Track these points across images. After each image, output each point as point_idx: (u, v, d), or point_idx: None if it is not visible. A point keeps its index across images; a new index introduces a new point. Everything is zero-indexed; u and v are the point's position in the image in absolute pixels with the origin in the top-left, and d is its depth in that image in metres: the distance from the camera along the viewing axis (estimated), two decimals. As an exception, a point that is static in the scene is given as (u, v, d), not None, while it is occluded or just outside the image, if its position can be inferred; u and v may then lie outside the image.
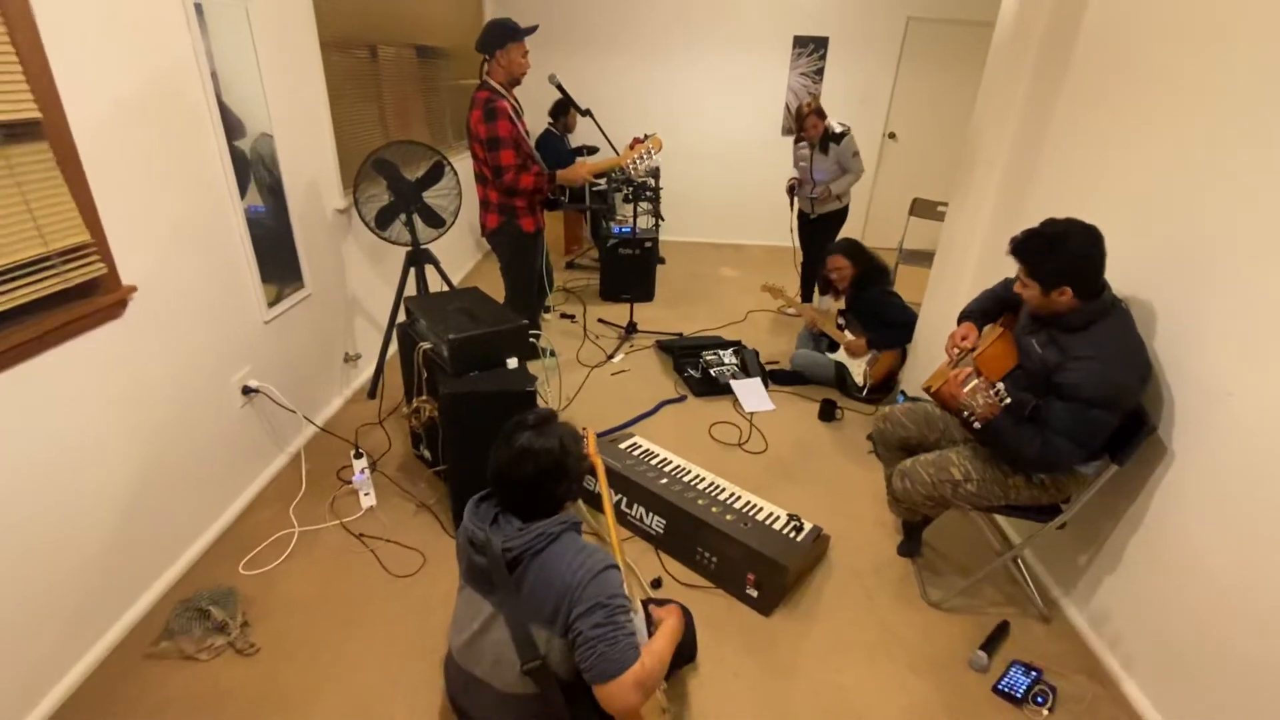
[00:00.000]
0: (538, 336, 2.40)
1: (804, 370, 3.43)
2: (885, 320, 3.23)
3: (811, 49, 5.53)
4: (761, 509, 2.18)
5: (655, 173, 4.72)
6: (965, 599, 2.07)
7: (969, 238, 2.71)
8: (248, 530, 2.24)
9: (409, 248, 2.89)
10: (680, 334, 3.98)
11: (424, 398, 2.27)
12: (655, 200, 4.49)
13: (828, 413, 3.11)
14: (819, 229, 4.02)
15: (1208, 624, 1.54)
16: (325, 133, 2.84)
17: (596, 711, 1.29)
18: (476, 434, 1.98)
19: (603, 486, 1.89)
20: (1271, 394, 1.39)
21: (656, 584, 2.08)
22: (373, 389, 3.13)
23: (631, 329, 3.94)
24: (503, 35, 2.58)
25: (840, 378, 3.35)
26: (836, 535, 2.30)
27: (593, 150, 5.18)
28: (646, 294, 4.58)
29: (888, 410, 2.17)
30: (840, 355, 3.34)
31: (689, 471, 2.39)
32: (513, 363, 2.16)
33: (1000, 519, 2.42)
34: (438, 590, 2.00)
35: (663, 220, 4.80)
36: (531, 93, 3.98)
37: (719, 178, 5.97)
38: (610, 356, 3.68)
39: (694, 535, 2.12)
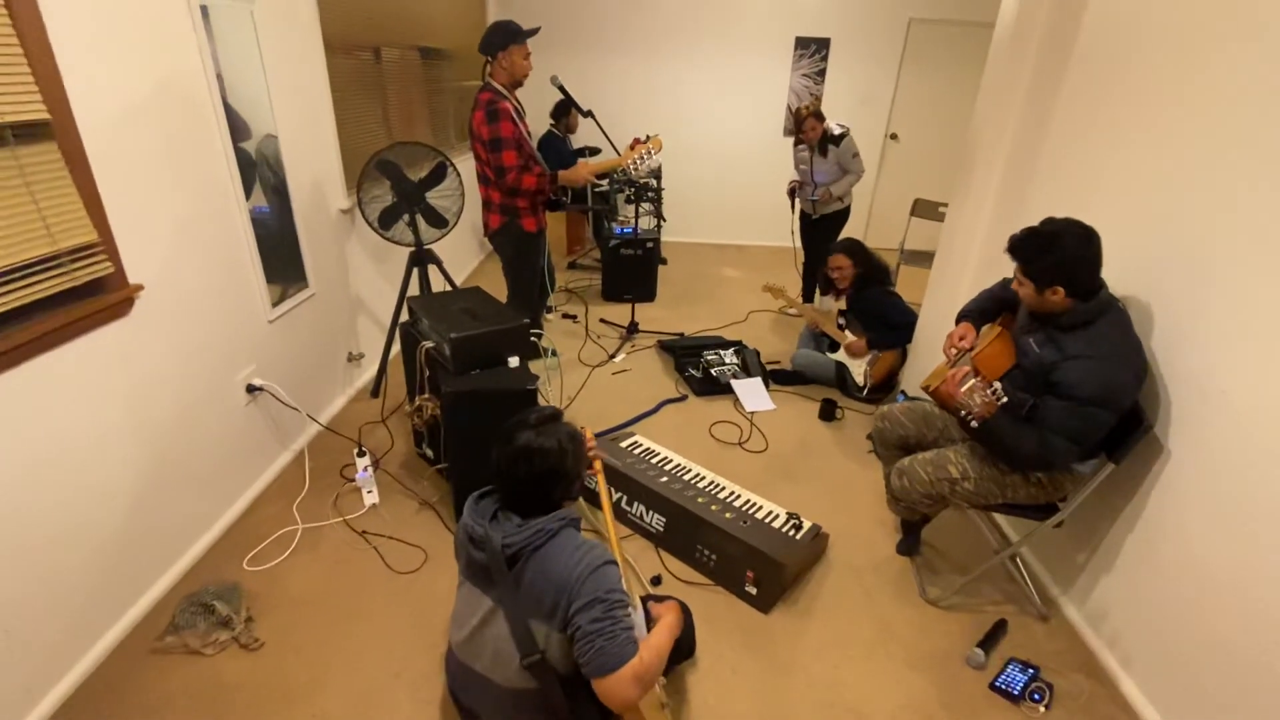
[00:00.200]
0: (539, 336, 2.42)
1: (805, 370, 3.44)
2: (886, 320, 3.24)
3: (813, 50, 5.54)
4: (761, 507, 2.20)
5: (657, 173, 4.74)
6: (963, 597, 2.08)
7: (969, 238, 2.72)
8: (252, 527, 2.26)
9: (412, 248, 2.92)
10: (681, 334, 4.00)
11: (426, 396, 2.29)
12: (657, 201, 4.51)
13: (828, 412, 3.12)
14: (821, 229, 4.03)
15: (1205, 622, 1.55)
16: (329, 134, 2.87)
17: (596, 706, 1.31)
18: (478, 432, 2.01)
19: (601, 485, 1.91)
20: (1267, 392, 1.40)
21: (656, 581, 2.10)
22: (376, 388, 3.15)
23: (633, 329, 3.96)
24: (505, 37, 2.60)
25: (841, 378, 3.36)
26: (836, 533, 2.32)
27: (595, 151, 5.20)
28: (648, 294, 4.60)
29: (886, 409, 2.18)
30: (841, 355, 3.35)
31: (689, 470, 2.40)
32: (514, 361, 2.18)
33: (999, 517, 2.43)
34: (439, 587, 2.02)
35: (664, 221, 4.82)
36: (533, 94, 4.01)
37: (721, 178, 5.98)
38: (612, 356, 3.69)
39: (694, 533, 2.13)
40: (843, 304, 3.45)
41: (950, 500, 1.90)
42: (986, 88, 2.62)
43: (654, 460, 2.45)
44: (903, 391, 3.27)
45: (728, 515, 2.12)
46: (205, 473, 2.14)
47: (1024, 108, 2.41)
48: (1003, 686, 1.76)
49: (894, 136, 5.86)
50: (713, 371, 3.36)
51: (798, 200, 4.04)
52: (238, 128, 2.22)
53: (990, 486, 1.82)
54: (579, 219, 5.59)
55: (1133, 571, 1.78)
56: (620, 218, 4.71)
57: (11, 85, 1.43)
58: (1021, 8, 2.38)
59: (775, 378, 3.46)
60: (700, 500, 2.19)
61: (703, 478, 2.36)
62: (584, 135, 5.28)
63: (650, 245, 4.44)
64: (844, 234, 3.93)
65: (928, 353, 3.02)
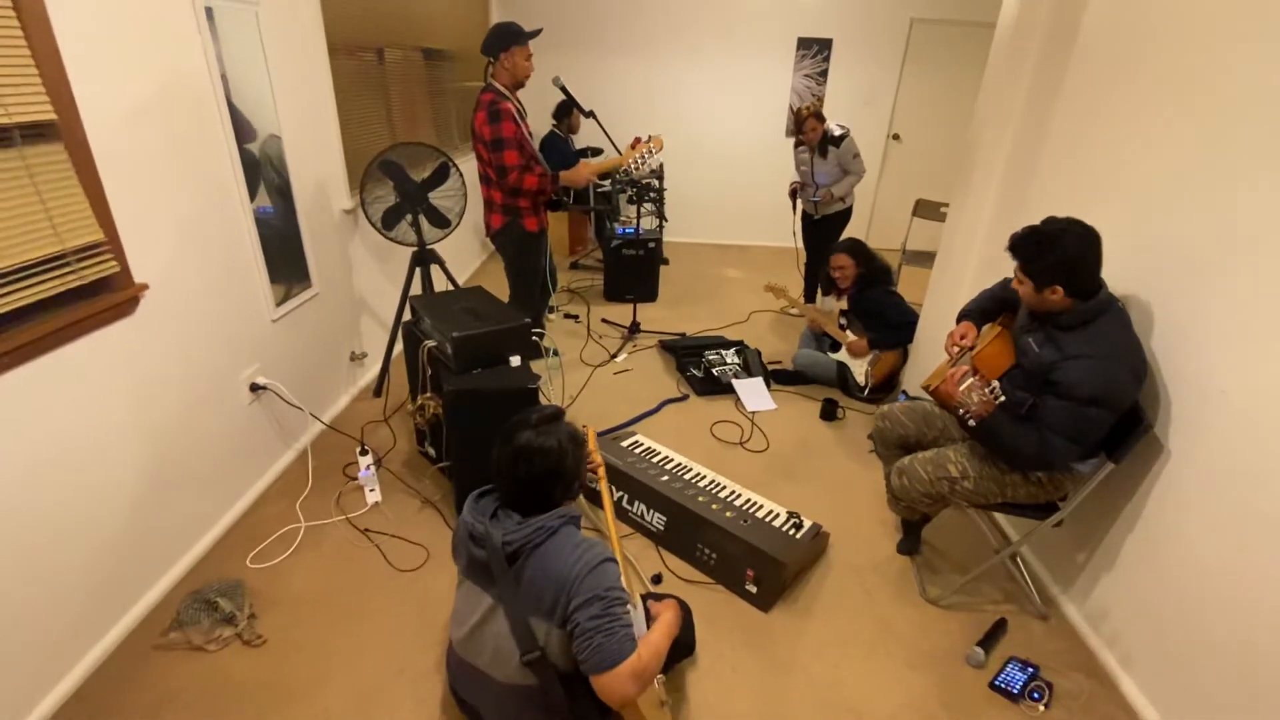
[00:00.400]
0: (541, 335, 2.43)
1: (806, 370, 3.45)
2: (887, 320, 3.24)
3: (815, 51, 5.55)
4: (762, 506, 2.20)
5: (659, 174, 4.75)
6: (963, 596, 2.08)
7: (970, 238, 2.72)
8: (255, 525, 2.27)
9: (415, 248, 2.93)
10: (683, 334, 4.01)
11: (428, 395, 2.30)
12: (659, 201, 4.52)
13: (829, 412, 3.12)
14: (823, 229, 4.03)
15: (1204, 622, 1.55)
16: (332, 134, 2.88)
17: (595, 703, 1.31)
18: (480, 431, 2.02)
19: (602, 484, 1.92)
20: (1266, 392, 1.40)
21: (657, 580, 2.10)
22: (378, 387, 3.16)
23: (635, 329, 3.96)
24: (506, 38, 2.62)
25: (842, 378, 3.36)
26: (836, 533, 2.32)
27: (597, 152, 5.21)
28: (650, 294, 4.61)
29: (887, 409, 2.19)
30: (842, 355, 3.36)
31: (690, 469, 2.41)
32: (515, 361, 2.19)
33: (999, 517, 2.44)
34: (441, 584, 2.03)
35: (666, 221, 4.83)
36: (535, 95, 4.02)
37: (723, 179, 5.99)
38: (613, 356, 3.70)
39: (694, 532, 2.14)
40: (844, 304, 3.45)
41: (950, 499, 1.90)
42: (987, 88, 2.62)
43: (655, 459, 2.46)
44: (904, 391, 3.27)
45: (728, 514, 2.12)
46: (209, 471, 2.16)
47: (1024, 108, 2.41)
48: (1002, 685, 1.76)
49: (896, 137, 5.86)
50: (714, 371, 3.37)
51: (799, 201, 4.05)
52: (243, 129, 2.23)
53: (990, 486, 1.83)
54: (581, 219, 5.60)
55: (1133, 571, 1.78)
56: (622, 218, 4.72)
57: (19, 86, 1.44)
58: (1022, 8, 2.38)
59: (776, 378, 3.46)
60: (701, 499, 2.20)
61: (703, 477, 2.36)
62: (586, 136, 5.30)
63: (652, 245, 4.45)
64: (846, 234, 3.94)
65: (929, 353, 3.02)
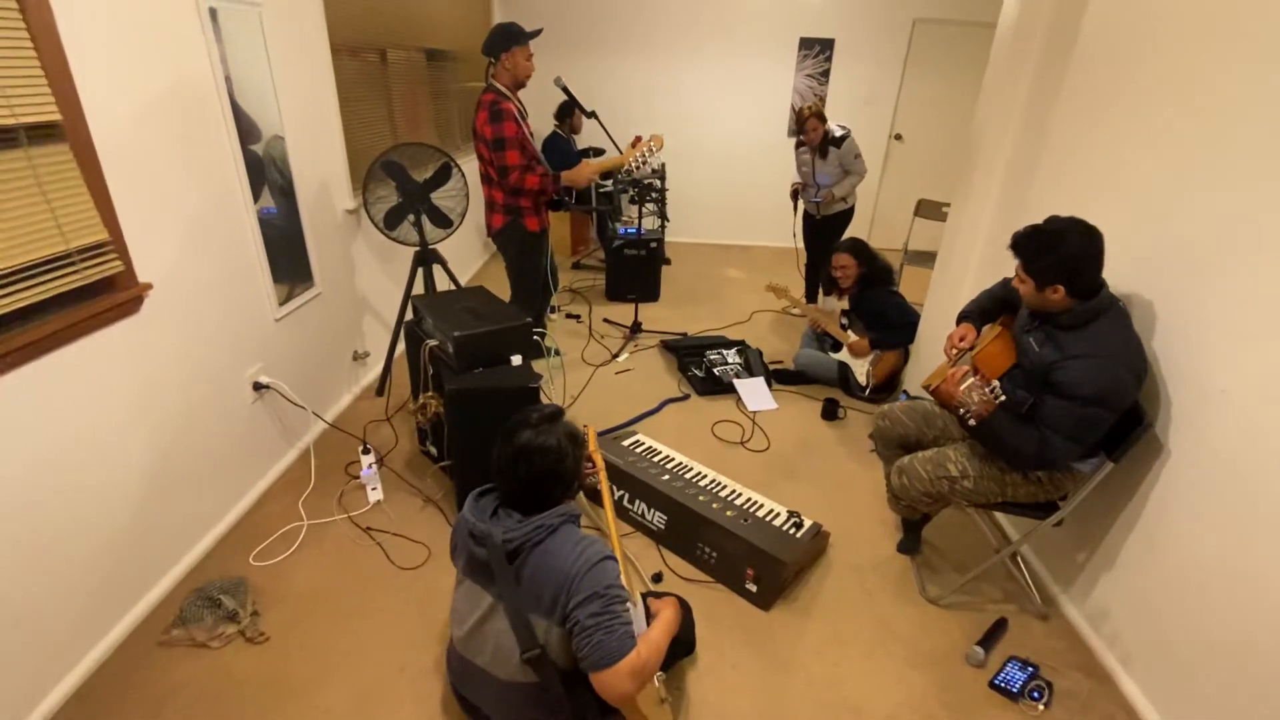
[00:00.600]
0: (543, 335, 2.44)
1: (807, 370, 3.45)
2: (888, 320, 3.24)
3: (817, 51, 5.55)
4: (762, 506, 2.21)
5: (661, 174, 4.76)
6: (964, 596, 2.08)
7: (971, 238, 2.73)
8: (258, 523, 2.29)
9: (417, 248, 2.94)
10: (685, 334, 4.01)
11: (430, 394, 2.31)
12: (661, 201, 4.52)
13: (830, 412, 3.13)
14: (825, 229, 4.04)
15: (1205, 622, 1.55)
16: (335, 135, 2.90)
17: (595, 700, 1.32)
18: (481, 430, 2.03)
19: (603, 483, 1.93)
20: (1267, 391, 1.41)
21: (657, 579, 2.11)
22: (381, 386, 3.17)
23: (636, 329, 3.97)
24: (507, 39, 2.63)
25: (843, 377, 3.36)
26: (837, 532, 2.33)
27: (599, 152, 5.22)
28: (652, 294, 4.62)
29: (887, 408, 2.19)
30: (844, 355, 3.36)
31: (691, 469, 2.42)
32: (516, 360, 2.20)
33: (1000, 517, 2.44)
34: (443, 583, 2.04)
35: (668, 221, 4.84)
36: (537, 95, 4.03)
37: (725, 179, 6.00)
38: (615, 355, 3.71)
39: (695, 531, 2.14)
40: (846, 304, 3.45)
41: (950, 499, 1.90)
42: (988, 88, 2.62)
43: (656, 459, 2.47)
44: (905, 391, 3.27)
45: (729, 513, 2.13)
46: (212, 469, 2.17)
47: (1025, 108, 2.41)
48: (1002, 685, 1.76)
49: (898, 137, 5.86)
50: (715, 371, 3.38)
51: (801, 201, 4.05)
52: (248, 130, 2.25)
53: (990, 485, 1.83)
54: (583, 219, 5.62)
55: (1133, 571, 1.78)
56: (624, 218, 4.73)
57: (24, 87, 1.46)
58: (1023, 9, 2.38)
59: (778, 377, 3.47)
60: (701, 498, 2.20)
61: (704, 476, 2.37)
62: (588, 136, 5.31)
63: (654, 245, 4.46)
64: (848, 234, 3.94)
65: (930, 353, 3.02)
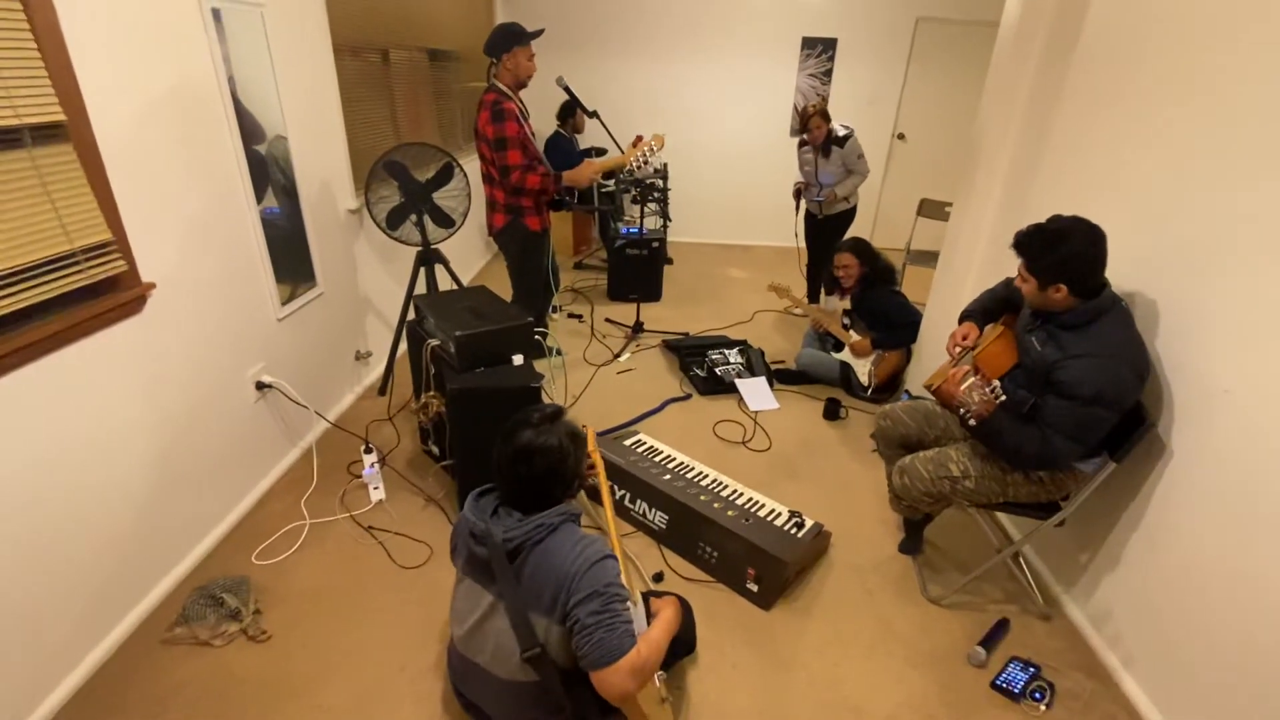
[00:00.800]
0: (544, 335, 2.44)
1: (809, 370, 3.44)
2: (890, 320, 3.24)
3: (820, 50, 5.54)
4: (763, 505, 2.21)
5: (663, 174, 4.76)
6: (965, 596, 2.08)
7: (973, 238, 2.72)
8: (261, 522, 2.30)
9: (419, 248, 2.95)
10: (686, 333, 4.01)
11: (432, 393, 2.31)
12: (663, 201, 4.52)
13: (832, 412, 3.12)
14: (827, 229, 4.03)
15: (1207, 623, 1.54)
16: (338, 135, 2.91)
17: (595, 699, 1.32)
18: (483, 429, 2.03)
19: (603, 482, 1.93)
20: (1269, 391, 1.40)
21: (658, 578, 2.11)
22: (383, 386, 3.18)
23: (638, 328, 3.97)
24: (508, 39, 2.64)
25: (845, 377, 3.36)
26: (838, 532, 2.32)
27: (601, 152, 5.22)
28: (653, 294, 4.62)
29: (888, 408, 2.19)
30: (846, 355, 3.35)
31: (692, 468, 2.42)
32: (517, 359, 2.20)
33: (1002, 517, 2.43)
34: (444, 582, 2.05)
35: (670, 221, 4.83)
36: (540, 96, 4.03)
37: (727, 179, 5.99)
38: (617, 355, 3.71)
39: (696, 530, 2.14)
40: (848, 303, 3.45)
41: (952, 499, 1.90)
42: (990, 87, 2.62)
43: (657, 458, 2.47)
44: (907, 391, 3.27)
45: (730, 513, 2.13)
46: (215, 468, 2.18)
47: (1027, 107, 2.41)
48: (1004, 685, 1.76)
49: (901, 136, 5.85)
50: (717, 371, 3.38)
51: (803, 201, 4.05)
52: (253, 130, 2.25)
53: (992, 485, 1.82)
54: (585, 219, 5.62)
55: (1135, 571, 1.78)
56: (626, 218, 4.73)
57: (29, 88, 1.46)
58: (1025, 8, 2.37)
59: (780, 377, 3.47)
60: (703, 498, 2.20)
61: (706, 476, 2.37)
62: (590, 136, 5.31)
63: (656, 245, 4.46)
64: (850, 234, 3.94)
65: (932, 352, 3.01)
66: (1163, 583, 1.67)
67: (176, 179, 1.94)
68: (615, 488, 2.38)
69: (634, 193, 4.00)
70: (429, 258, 2.98)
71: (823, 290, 3.87)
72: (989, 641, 1.88)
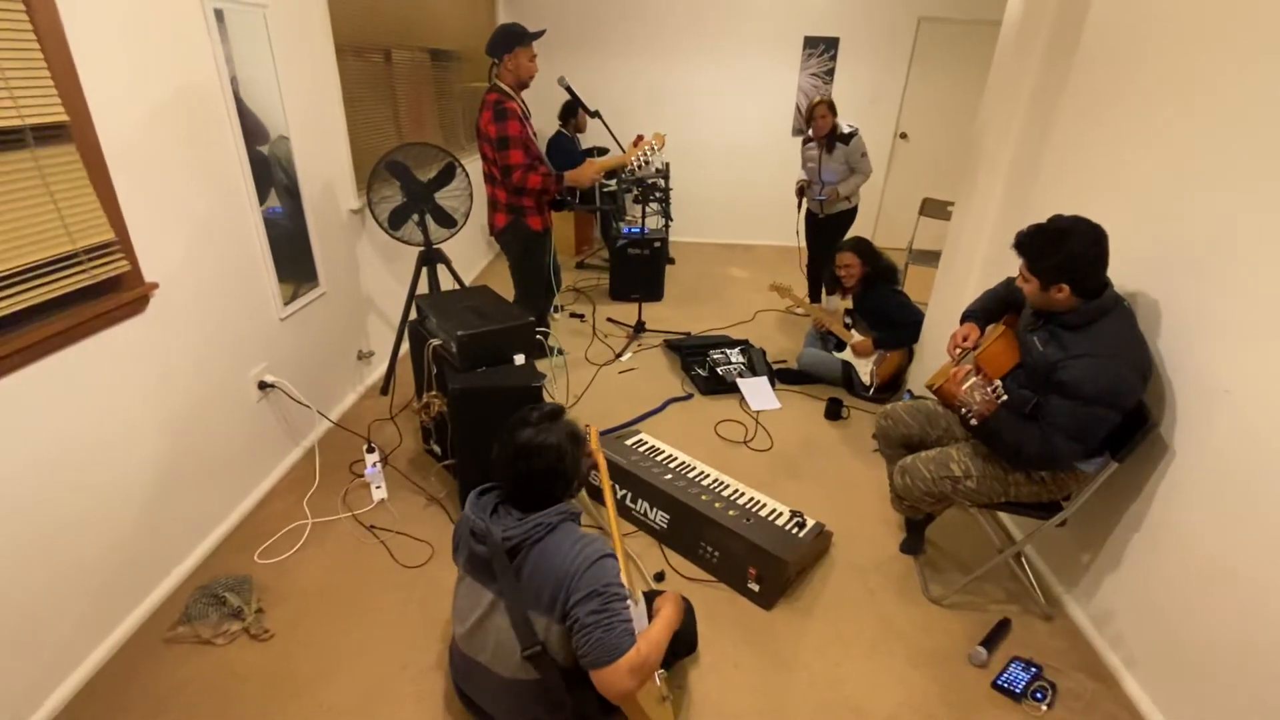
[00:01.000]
0: (546, 334, 2.44)
1: (811, 369, 3.44)
2: (892, 320, 3.23)
3: (822, 49, 5.54)
4: (765, 505, 2.21)
5: (665, 173, 4.76)
6: (967, 596, 2.07)
7: (975, 237, 2.72)
8: (263, 521, 2.30)
9: (421, 247, 2.95)
10: (688, 333, 4.01)
11: (434, 393, 2.32)
12: (665, 201, 4.52)
13: (834, 411, 3.12)
14: (828, 228, 4.03)
15: (1210, 623, 1.54)
16: (340, 135, 2.91)
17: (596, 698, 1.33)
18: (484, 429, 2.03)
19: (604, 481, 1.93)
20: (1271, 391, 1.40)
21: (660, 578, 2.11)
22: (385, 385, 3.19)
23: (640, 328, 3.97)
24: (510, 39, 2.64)
25: (847, 377, 3.36)
26: (840, 532, 2.32)
27: (603, 152, 5.23)
28: (655, 294, 4.62)
29: (890, 408, 2.18)
30: (847, 355, 3.35)
31: (694, 468, 2.42)
32: (519, 359, 2.21)
33: (1004, 517, 2.43)
34: (445, 581, 2.05)
35: (672, 221, 4.83)
36: (542, 96, 4.04)
37: (729, 178, 5.99)
38: (618, 355, 3.71)
39: (697, 530, 2.15)
40: (849, 303, 3.45)
41: (953, 499, 1.90)
42: (992, 86, 2.61)
43: (659, 458, 2.47)
44: (909, 391, 3.26)
45: (731, 513, 2.13)
46: (218, 468, 2.18)
47: (1029, 106, 2.40)
48: (1005, 685, 1.76)
49: (903, 136, 5.84)
50: (719, 370, 3.38)
51: (805, 200, 4.04)
52: (257, 131, 2.26)
53: (993, 485, 1.82)
54: (587, 219, 5.62)
55: (1137, 571, 1.77)
56: (628, 217, 4.73)
57: (31, 88, 1.47)
58: (1027, 8, 2.37)
59: (781, 377, 3.46)
60: (704, 498, 2.20)
61: (707, 475, 2.37)
62: (592, 136, 5.31)
63: (658, 245, 4.46)
64: (851, 233, 3.93)
65: (934, 352, 3.01)
66: (1165, 583, 1.67)
67: (179, 179, 1.95)
68: (617, 487, 2.38)
69: (636, 192, 4.00)
70: (431, 257, 2.98)
71: (824, 290, 3.87)
72: (990, 641, 1.88)
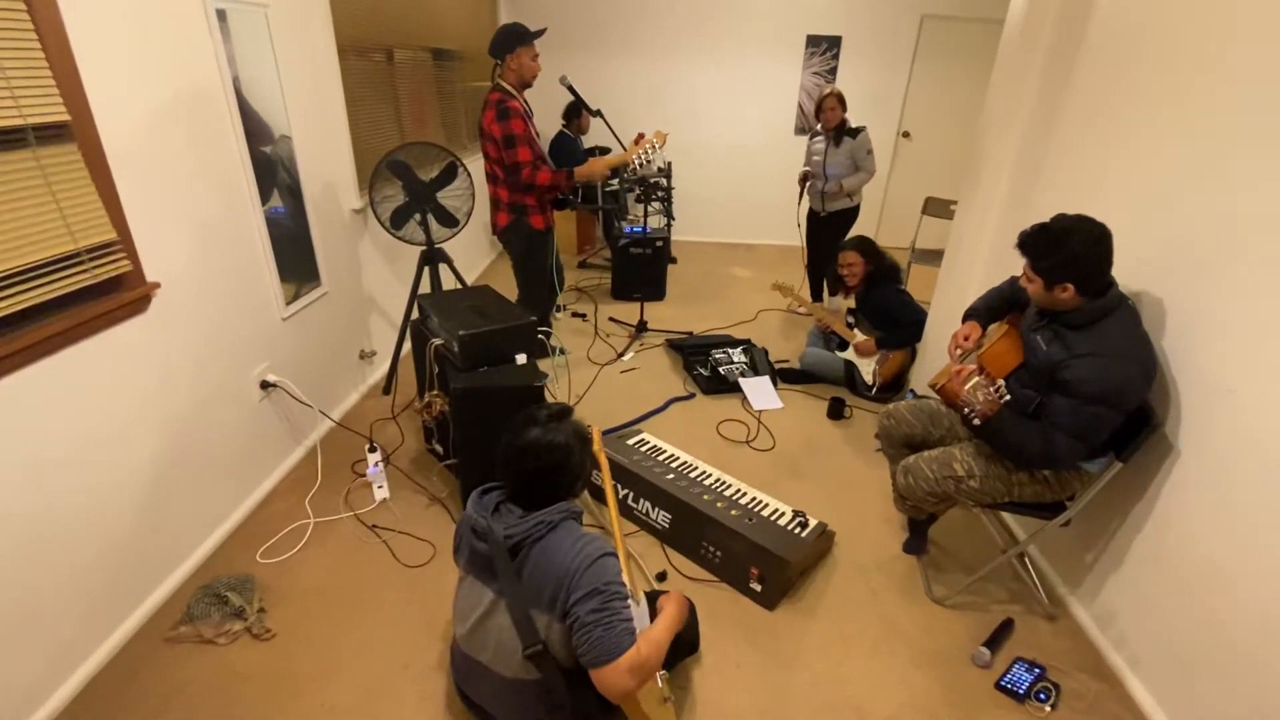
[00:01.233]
0: (548, 334, 2.44)
1: (813, 369, 3.43)
2: (895, 319, 3.22)
3: (824, 48, 5.52)
4: (767, 505, 2.20)
5: (667, 173, 4.75)
6: (970, 596, 2.07)
7: (978, 236, 2.71)
8: (265, 520, 2.30)
9: (423, 247, 2.95)
10: (690, 333, 4.00)
11: (436, 393, 2.32)
12: (667, 200, 4.52)
13: (836, 411, 3.11)
14: (829, 227, 4.02)
15: (1214, 624, 1.53)
16: (342, 135, 2.91)
17: (597, 697, 1.32)
18: (486, 428, 2.03)
19: (606, 482, 1.93)
20: (1274, 390, 1.39)
21: (661, 577, 2.11)
22: (387, 385, 3.19)
23: (642, 327, 3.97)
24: (512, 39, 2.64)
25: (850, 377, 3.35)
26: (842, 532, 2.32)
27: (605, 151, 5.23)
28: (657, 293, 4.61)
29: (893, 407, 2.18)
30: (850, 354, 3.34)
31: (696, 468, 2.41)
32: (521, 358, 2.20)
33: (1008, 517, 2.42)
34: (447, 580, 2.05)
35: (674, 220, 4.83)
36: (544, 96, 4.03)
37: (731, 177, 5.98)
38: (620, 354, 3.71)
39: (699, 530, 2.14)
40: (852, 302, 3.44)
41: (956, 498, 1.89)
42: (995, 85, 2.60)
43: (661, 458, 2.47)
44: (912, 390, 3.25)
45: (733, 512, 2.12)
46: (220, 467, 2.19)
47: (1032, 104, 2.39)
48: (1008, 686, 1.75)
49: (906, 134, 5.82)
50: (721, 370, 3.37)
51: (807, 193, 4.03)
52: (261, 131, 2.26)
53: (996, 485, 1.81)
54: (589, 218, 5.62)
55: (1141, 571, 1.76)
56: (630, 217, 4.73)
57: (33, 88, 1.47)
58: (1030, 5, 2.36)
59: (784, 376, 3.46)
60: (706, 497, 2.20)
61: (709, 475, 2.37)
62: (594, 136, 5.31)
63: (660, 244, 4.46)
64: (853, 232, 3.92)
65: (937, 352, 3.00)
66: (1169, 583, 1.66)
67: (181, 179, 1.95)
68: (619, 487, 2.37)
69: (638, 191, 4.00)
70: (433, 257, 2.98)
71: (826, 289, 3.86)
72: (994, 642, 1.87)
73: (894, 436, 2.15)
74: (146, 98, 1.80)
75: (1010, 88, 2.47)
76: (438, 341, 2.26)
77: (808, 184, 4.01)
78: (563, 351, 3.61)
